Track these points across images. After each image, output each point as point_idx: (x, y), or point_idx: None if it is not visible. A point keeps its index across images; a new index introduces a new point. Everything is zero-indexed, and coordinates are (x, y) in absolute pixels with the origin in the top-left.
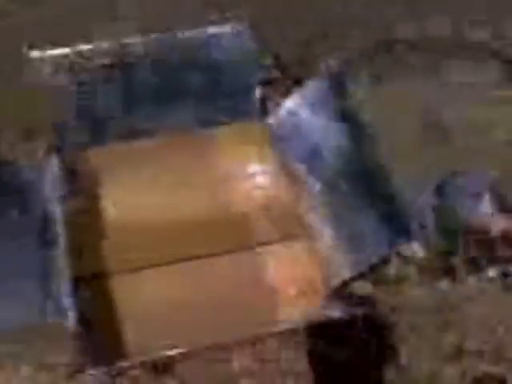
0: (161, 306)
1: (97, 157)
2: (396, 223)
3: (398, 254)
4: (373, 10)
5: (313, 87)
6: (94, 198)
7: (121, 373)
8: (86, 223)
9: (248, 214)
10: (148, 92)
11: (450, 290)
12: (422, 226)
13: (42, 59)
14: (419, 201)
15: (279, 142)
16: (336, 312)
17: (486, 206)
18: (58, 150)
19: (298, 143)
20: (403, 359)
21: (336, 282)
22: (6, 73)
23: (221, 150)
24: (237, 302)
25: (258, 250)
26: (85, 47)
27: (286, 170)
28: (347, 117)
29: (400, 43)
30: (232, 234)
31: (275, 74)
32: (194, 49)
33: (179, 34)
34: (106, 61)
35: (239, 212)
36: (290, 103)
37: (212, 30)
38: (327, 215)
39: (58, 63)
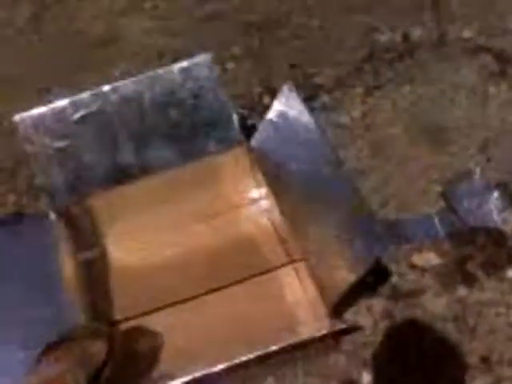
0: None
1: (95, 204)
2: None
3: (412, 265)
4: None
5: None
6: (101, 247)
7: None
8: (98, 274)
9: (259, 240)
10: (129, 135)
11: (469, 296)
12: (434, 233)
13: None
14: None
15: (264, 161)
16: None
17: (495, 203)
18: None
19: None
20: (427, 374)
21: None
22: None
23: (218, 179)
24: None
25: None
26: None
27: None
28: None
29: (386, 52)
30: (248, 262)
31: None
32: (167, 85)
33: (150, 73)
34: (83, 112)
35: (251, 239)
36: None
37: (181, 64)
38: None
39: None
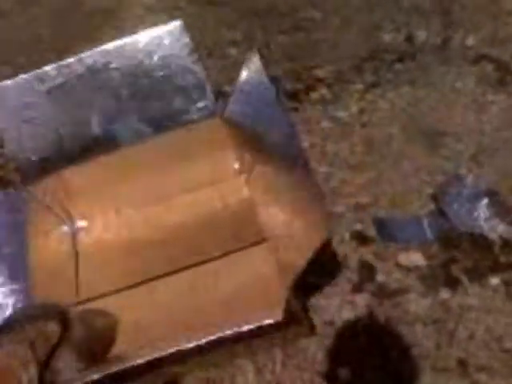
0: None
1: (68, 179)
2: None
3: (398, 264)
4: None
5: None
6: (73, 224)
7: None
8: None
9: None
10: (98, 107)
11: (451, 299)
12: (422, 234)
13: None
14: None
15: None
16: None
17: (484, 210)
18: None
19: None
20: (404, 373)
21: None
22: None
23: (195, 151)
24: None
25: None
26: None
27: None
28: None
29: (389, 52)
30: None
31: None
32: (135, 54)
33: (118, 42)
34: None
35: (229, 215)
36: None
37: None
38: None
39: None
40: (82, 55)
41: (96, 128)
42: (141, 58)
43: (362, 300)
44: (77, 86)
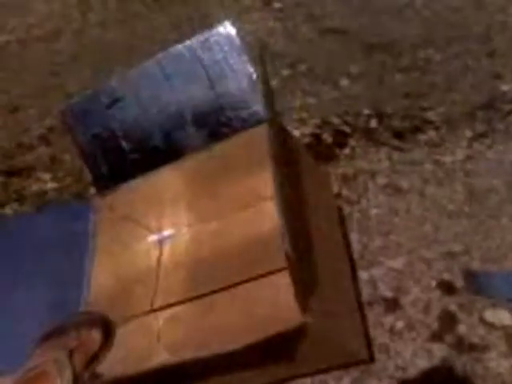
0: None
1: (132, 192)
2: None
3: (482, 319)
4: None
5: None
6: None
7: None
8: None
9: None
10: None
11: None
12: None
13: None
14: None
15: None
16: None
17: None
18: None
19: None
20: None
21: None
22: None
23: (235, 167)
24: None
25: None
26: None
27: None
28: None
29: (505, 102)
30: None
31: None
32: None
33: (171, 50)
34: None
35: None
36: None
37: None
38: None
39: None
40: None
41: (157, 138)
42: (192, 63)
43: (439, 350)
44: (135, 97)
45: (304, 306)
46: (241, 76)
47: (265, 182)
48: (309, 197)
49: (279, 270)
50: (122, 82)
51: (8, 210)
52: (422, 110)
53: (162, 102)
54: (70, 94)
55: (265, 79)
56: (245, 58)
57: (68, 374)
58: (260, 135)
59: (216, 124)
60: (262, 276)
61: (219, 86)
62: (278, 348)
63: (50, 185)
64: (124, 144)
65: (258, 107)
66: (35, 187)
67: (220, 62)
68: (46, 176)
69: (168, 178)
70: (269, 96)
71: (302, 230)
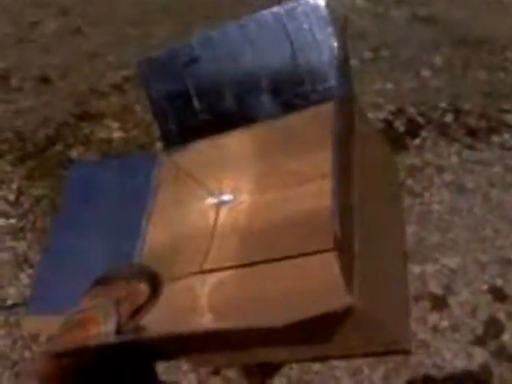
0: None
1: (201, 151)
2: None
3: None
4: None
5: None
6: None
7: None
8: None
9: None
10: (231, 82)
11: None
12: None
13: None
14: None
15: None
16: None
17: None
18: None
19: None
20: None
21: None
22: None
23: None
24: None
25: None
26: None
27: None
28: None
29: None
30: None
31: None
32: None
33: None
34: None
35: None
36: None
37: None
38: None
39: None
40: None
41: (230, 101)
42: (275, 31)
43: (480, 355)
44: (214, 59)
45: (351, 289)
46: (324, 48)
47: (325, 160)
48: (373, 181)
49: (327, 251)
50: (203, 42)
51: (74, 153)
52: (500, 112)
53: (240, 66)
54: (151, 46)
55: (345, 56)
56: (330, 30)
57: (112, 322)
58: (328, 112)
59: (292, 95)
60: (311, 254)
61: (301, 57)
62: (320, 328)
63: (118, 134)
64: (196, 103)
65: (336, 83)
66: (102, 134)
67: (305, 32)
68: (115, 124)
69: (235, 143)
70: (347, 74)
71: (361, 213)
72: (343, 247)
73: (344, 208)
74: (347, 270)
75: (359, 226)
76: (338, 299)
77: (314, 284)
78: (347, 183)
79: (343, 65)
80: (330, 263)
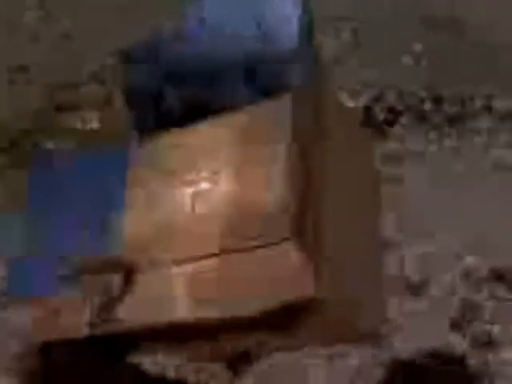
0: None
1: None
2: None
3: None
4: None
5: None
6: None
7: None
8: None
9: None
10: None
11: None
12: None
13: None
14: None
15: None
16: None
17: None
18: None
19: None
20: None
21: None
22: None
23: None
24: None
25: None
26: None
27: None
28: None
29: None
30: None
31: None
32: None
33: None
34: None
35: None
36: None
37: None
38: None
39: None
40: None
41: (204, 88)
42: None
43: (456, 338)
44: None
45: (318, 278)
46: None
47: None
48: (349, 168)
49: (287, 239)
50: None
51: (50, 145)
52: (479, 99)
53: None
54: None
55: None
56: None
57: (85, 314)
58: (285, 102)
59: (265, 80)
60: (275, 243)
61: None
62: (290, 317)
63: (95, 124)
64: (170, 92)
65: (302, 68)
66: (79, 125)
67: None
68: (93, 115)
69: (210, 131)
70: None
71: (333, 200)
72: (301, 236)
73: (304, 195)
74: (312, 259)
75: (331, 212)
76: (301, 289)
77: (280, 273)
78: (308, 172)
79: (311, 50)
80: (290, 252)
